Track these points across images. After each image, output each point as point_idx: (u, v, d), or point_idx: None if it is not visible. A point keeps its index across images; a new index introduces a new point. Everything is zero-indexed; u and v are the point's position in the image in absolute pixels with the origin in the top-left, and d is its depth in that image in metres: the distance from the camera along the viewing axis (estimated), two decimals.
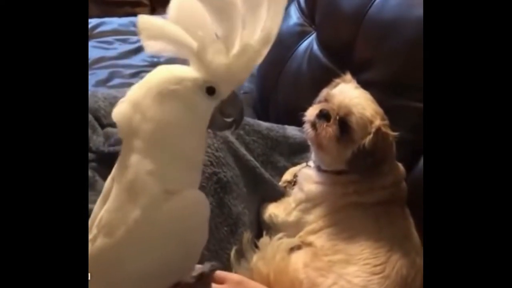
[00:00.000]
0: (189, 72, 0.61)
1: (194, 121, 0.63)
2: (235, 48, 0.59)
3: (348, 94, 0.89)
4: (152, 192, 0.61)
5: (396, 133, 0.87)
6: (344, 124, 0.86)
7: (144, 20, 0.62)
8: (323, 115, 0.88)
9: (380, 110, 0.88)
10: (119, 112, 0.62)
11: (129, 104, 0.61)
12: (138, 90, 0.62)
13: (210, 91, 0.61)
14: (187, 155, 0.63)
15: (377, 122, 0.85)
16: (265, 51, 0.60)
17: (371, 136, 0.84)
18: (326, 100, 0.90)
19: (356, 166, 0.87)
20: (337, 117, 0.86)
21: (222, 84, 0.61)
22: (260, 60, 0.61)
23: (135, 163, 0.61)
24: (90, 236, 0.64)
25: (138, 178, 0.61)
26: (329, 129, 0.87)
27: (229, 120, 0.66)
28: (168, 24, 0.61)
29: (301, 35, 1.33)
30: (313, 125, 0.89)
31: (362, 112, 0.85)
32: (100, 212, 0.64)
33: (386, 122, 0.87)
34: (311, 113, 0.90)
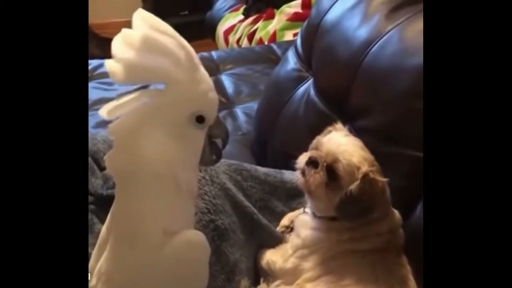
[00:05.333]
0: (176, 105, 0.61)
1: (191, 154, 0.64)
2: (203, 73, 0.62)
3: (336, 141, 0.91)
4: (151, 235, 0.61)
5: (385, 179, 0.87)
6: (331, 171, 0.87)
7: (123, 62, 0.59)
8: (312, 162, 0.90)
9: (369, 156, 0.89)
10: (112, 160, 0.62)
11: (122, 150, 0.61)
12: (128, 132, 0.60)
13: (200, 119, 0.62)
14: (185, 190, 0.64)
15: (364, 168, 0.85)
16: None
17: (358, 182, 0.85)
18: (316, 147, 0.92)
19: (344, 212, 0.88)
20: (325, 164, 0.88)
21: (209, 110, 0.63)
22: None
23: (130, 205, 0.62)
24: (90, 285, 0.64)
25: (136, 222, 0.61)
26: (317, 176, 0.88)
27: (214, 155, 0.67)
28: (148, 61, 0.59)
29: (299, 80, 1.35)
30: (303, 172, 0.91)
31: (349, 159, 0.86)
32: (98, 262, 0.64)
33: (375, 168, 0.87)
34: (301, 160, 0.92)
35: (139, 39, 0.58)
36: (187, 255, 0.63)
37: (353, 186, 0.85)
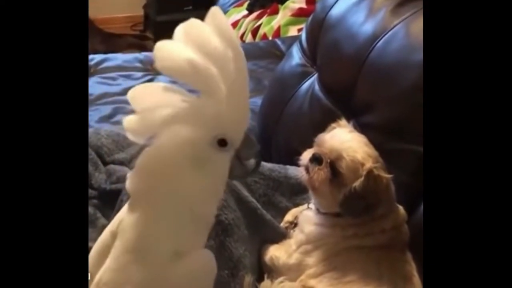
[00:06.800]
0: (196, 130, 0.58)
1: (213, 181, 0.62)
2: (231, 94, 0.59)
3: (340, 138, 0.91)
4: (160, 254, 0.61)
5: (390, 176, 0.87)
6: (335, 167, 0.87)
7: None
8: (315, 159, 0.90)
9: (374, 153, 0.88)
10: (133, 180, 0.61)
11: (142, 174, 0.61)
12: (152, 158, 0.59)
13: (223, 143, 0.59)
14: (203, 217, 0.64)
15: (368, 164, 0.85)
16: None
17: (362, 179, 0.84)
18: (320, 144, 0.92)
19: (348, 209, 0.88)
20: (328, 161, 0.88)
21: (234, 133, 0.60)
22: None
23: (144, 223, 0.61)
24: None
25: (147, 239, 0.61)
26: (321, 173, 0.88)
27: (249, 163, 0.65)
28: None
29: (303, 76, 1.34)
30: (307, 169, 0.91)
31: (353, 155, 0.86)
32: (98, 268, 0.63)
33: (379, 164, 0.87)
34: (305, 157, 0.92)
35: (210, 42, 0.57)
36: (194, 276, 0.63)
37: (357, 183, 0.84)
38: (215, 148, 0.59)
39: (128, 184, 0.61)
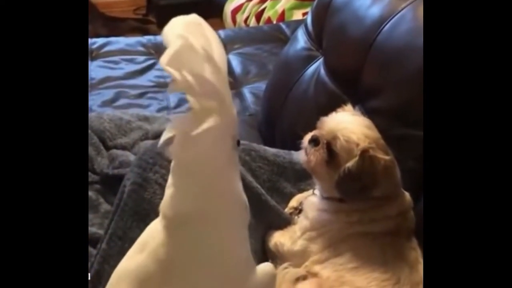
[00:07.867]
0: (226, 135, 0.59)
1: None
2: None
3: (338, 119, 0.90)
4: (239, 264, 0.63)
5: (388, 157, 0.85)
6: (331, 148, 0.86)
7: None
8: (313, 140, 0.90)
9: (374, 135, 0.87)
10: (184, 200, 0.60)
11: (194, 192, 0.60)
12: (198, 177, 0.59)
13: (238, 143, 0.62)
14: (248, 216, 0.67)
15: (363, 144, 0.84)
16: None
17: (356, 159, 0.83)
18: (320, 126, 0.91)
19: (344, 189, 0.87)
20: (325, 142, 0.87)
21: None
22: None
23: (215, 242, 0.62)
24: None
25: (226, 254, 0.62)
26: (317, 154, 0.88)
27: None
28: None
29: (309, 59, 1.33)
30: (306, 151, 0.91)
31: (348, 136, 0.85)
32: None
33: (376, 145, 0.86)
34: (305, 139, 0.92)
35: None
36: (272, 278, 0.67)
37: (351, 163, 0.83)
38: (236, 149, 0.62)
39: (175, 207, 0.60)
